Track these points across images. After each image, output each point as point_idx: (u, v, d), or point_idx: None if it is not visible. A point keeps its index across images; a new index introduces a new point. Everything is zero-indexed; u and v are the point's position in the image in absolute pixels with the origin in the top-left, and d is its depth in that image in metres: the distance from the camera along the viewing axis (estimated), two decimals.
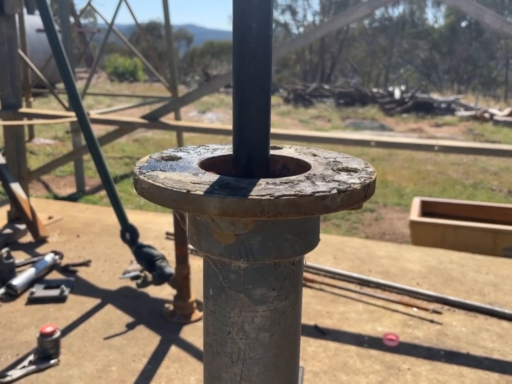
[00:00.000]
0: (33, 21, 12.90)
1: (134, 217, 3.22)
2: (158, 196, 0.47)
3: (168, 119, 4.85)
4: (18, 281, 2.55)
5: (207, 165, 0.57)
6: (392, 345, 2.13)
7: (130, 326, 2.27)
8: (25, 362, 1.98)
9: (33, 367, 1.95)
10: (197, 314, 2.35)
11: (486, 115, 13.22)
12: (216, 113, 13.92)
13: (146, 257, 2.36)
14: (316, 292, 2.59)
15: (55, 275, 2.76)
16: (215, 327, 0.55)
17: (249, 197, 0.44)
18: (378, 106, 15.21)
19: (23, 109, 3.65)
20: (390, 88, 18.58)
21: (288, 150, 0.63)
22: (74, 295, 2.56)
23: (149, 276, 2.32)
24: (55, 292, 2.52)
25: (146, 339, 2.17)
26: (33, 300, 2.49)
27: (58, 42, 2.51)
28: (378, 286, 2.64)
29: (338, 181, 0.49)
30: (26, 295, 2.51)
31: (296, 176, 0.50)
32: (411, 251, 3.19)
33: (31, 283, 2.62)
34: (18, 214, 3.28)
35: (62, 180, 6.70)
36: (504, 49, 26.59)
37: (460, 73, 27.51)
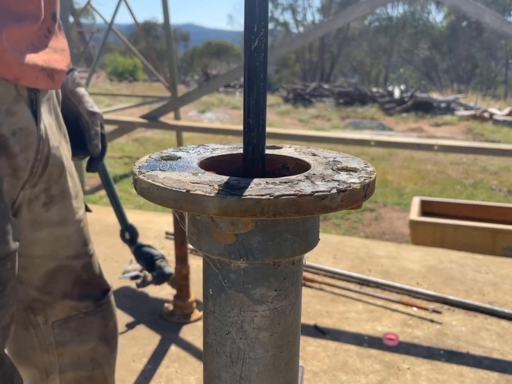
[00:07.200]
0: None
1: (133, 217, 3.22)
2: (157, 196, 0.47)
3: (168, 118, 4.84)
4: None
5: (207, 164, 0.57)
6: (392, 344, 2.14)
7: (129, 326, 2.27)
8: None
9: None
10: (197, 313, 2.35)
11: (486, 114, 13.22)
12: (216, 112, 13.92)
13: (145, 257, 2.36)
14: (316, 292, 2.59)
15: None
16: (215, 327, 0.55)
17: (249, 196, 0.44)
18: (378, 105, 15.22)
19: None
20: (390, 88, 18.59)
21: (288, 150, 0.63)
22: None
23: (149, 276, 2.32)
24: None
25: (146, 339, 2.17)
26: None
27: None
28: (377, 285, 2.64)
29: (337, 180, 0.49)
30: None
31: (296, 175, 0.50)
32: (411, 250, 3.19)
33: None
34: None
35: None
36: (504, 48, 26.61)
37: (460, 73, 27.53)
